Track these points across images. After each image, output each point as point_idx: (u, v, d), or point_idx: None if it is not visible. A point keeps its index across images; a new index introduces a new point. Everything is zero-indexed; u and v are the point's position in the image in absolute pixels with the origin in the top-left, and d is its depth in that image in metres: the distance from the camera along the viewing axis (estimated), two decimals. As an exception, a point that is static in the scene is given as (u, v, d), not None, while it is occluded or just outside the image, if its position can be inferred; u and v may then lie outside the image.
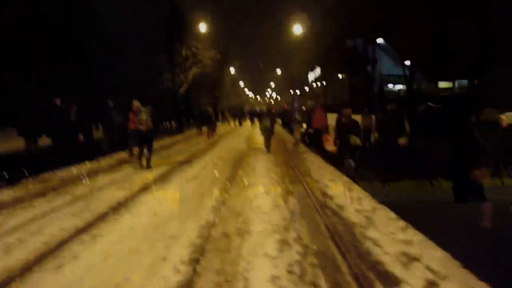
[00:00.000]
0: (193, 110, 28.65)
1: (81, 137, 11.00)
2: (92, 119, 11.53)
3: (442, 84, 28.72)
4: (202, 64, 29.60)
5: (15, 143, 10.55)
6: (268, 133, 11.16)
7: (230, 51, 38.70)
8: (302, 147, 12.32)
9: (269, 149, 11.15)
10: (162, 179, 7.27)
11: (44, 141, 10.26)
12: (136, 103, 8.53)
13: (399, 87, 32.17)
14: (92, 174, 7.69)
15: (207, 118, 18.33)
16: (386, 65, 30.54)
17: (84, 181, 6.96)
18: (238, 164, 9.03)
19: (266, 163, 9.12)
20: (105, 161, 9.45)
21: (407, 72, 26.58)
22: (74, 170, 8.03)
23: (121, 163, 9.35)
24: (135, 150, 9.10)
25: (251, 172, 7.81)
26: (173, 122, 24.89)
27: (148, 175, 7.47)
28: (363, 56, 27.10)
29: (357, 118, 10.34)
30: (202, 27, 20.85)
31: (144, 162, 8.27)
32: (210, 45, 30.04)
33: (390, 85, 32.17)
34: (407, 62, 29.10)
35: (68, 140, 9.68)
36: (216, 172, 7.80)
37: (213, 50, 30.41)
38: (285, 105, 33.40)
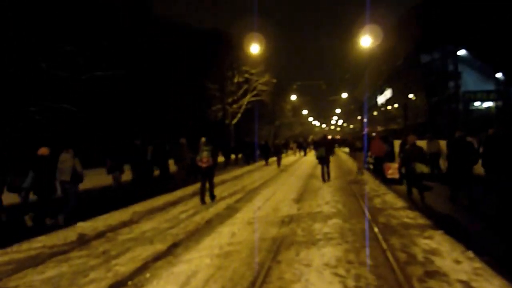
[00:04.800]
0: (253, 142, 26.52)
1: (157, 172, 12.19)
2: (167, 156, 12.58)
3: (545, 98, 23.56)
4: (257, 91, 27.73)
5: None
6: (323, 162, 11.02)
7: (290, 75, 37.49)
8: (369, 178, 11.59)
9: (326, 179, 10.98)
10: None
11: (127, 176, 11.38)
12: (203, 139, 8.68)
13: (487, 104, 27.06)
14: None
15: (276, 149, 18.78)
16: (470, 80, 25.93)
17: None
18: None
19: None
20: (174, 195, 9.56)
21: (500, 86, 22.16)
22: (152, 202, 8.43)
23: (191, 195, 9.35)
24: None
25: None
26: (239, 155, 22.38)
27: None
28: (443, 71, 23.37)
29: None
30: (255, 49, 18.96)
31: (206, 197, 8.25)
32: (265, 70, 28.09)
33: (477, 103, 27.15)
34: (499, 75, 24.62)
35: (145, 176, 10.86)
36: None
37: (268, 74, 28.38)
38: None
